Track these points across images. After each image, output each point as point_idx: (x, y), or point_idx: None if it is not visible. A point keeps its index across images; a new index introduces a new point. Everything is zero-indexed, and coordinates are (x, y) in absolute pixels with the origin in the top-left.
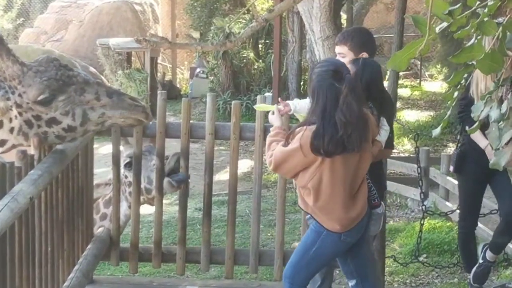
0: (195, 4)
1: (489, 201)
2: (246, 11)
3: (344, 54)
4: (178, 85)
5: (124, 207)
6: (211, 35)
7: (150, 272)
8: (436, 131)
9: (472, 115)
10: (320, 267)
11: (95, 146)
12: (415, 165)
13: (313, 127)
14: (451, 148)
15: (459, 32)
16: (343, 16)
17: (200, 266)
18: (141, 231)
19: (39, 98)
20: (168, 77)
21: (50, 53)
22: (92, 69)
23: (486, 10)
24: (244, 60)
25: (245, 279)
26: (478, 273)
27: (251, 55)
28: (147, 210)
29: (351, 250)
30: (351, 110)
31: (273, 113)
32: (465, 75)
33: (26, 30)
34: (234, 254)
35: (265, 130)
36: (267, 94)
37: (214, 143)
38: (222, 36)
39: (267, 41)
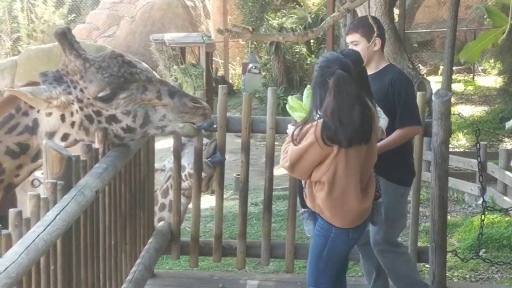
0: None
1: None
2: (297, 5)
3: (357, 42)
4: (230, 81)
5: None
6: (263, 30)
7: (209, 266)
8: (510, 123)
9: None
10: (338, 267)
11: None
12: (472, 160)
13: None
14: (507, 143)
15: None
16: (395, 11)
17: (258, 260)
18: None
19: (99, 95)
20: (220, 72)
21: (103, 49)
22: (144, 64)
23: None
24: (297, 56)
25: (303, 273)
26: None
27: (304, 50)
28: (202, 204)
29: None
30: (330, 106)
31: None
32: None
33: (78, 26)
34: (294, 248)
35: None
36: None
37: (274, 138)
38: (275, 30)
39: (319, 36)
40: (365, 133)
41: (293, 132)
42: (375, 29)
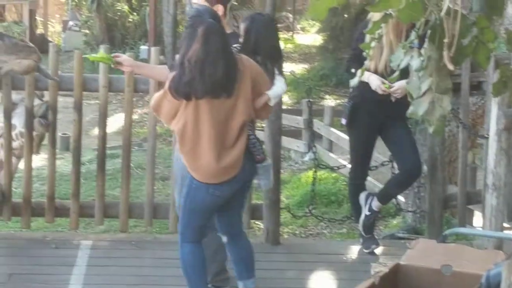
0: None
1: (377, 153)
2: None
3: (199, 6)
4: (50, 39)
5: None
6: None
7: (38, 227)
8: (354, 81)
9: (391, 64)
10: (200, 221)
11: None
12: (298, 117)
13: None
14: (328, 100)
15: None
16: None
17: (89, 220)
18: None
19: None
20: (39, 30)
21: None
22: None
23: None
24: (119, 13)
25: (137, 232)
26: (368, 225)
27: (126, 8)
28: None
29: (228, 205)
30: (195, 54)
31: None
32: (383, 25)
33: None
34: (129, 207)
35: (159, 83)
36: (142, 47)
37: (107, 96)
38: None
39: None
40: (225, 85)
41: None
42: None
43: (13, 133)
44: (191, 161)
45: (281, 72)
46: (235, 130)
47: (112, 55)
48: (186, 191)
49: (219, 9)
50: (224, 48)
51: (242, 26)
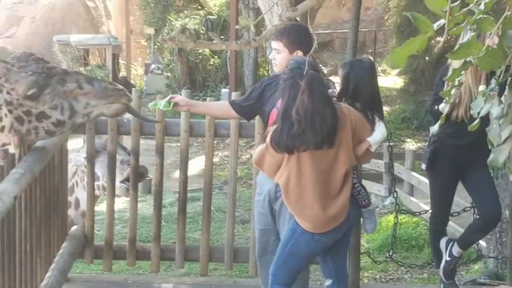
0: (149, 0)
1: (458, 198)
2: (199, 7)
3: (279, 50)
4: (132, 82)
5: (84, 196)
6: (166, 31)
7: (119, 270)
8: (434, 128)
9: (471, 112)
10: (299, 265)
11: None
12: (379, 161)
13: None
14: (409, 144)
15: (454, 29)
16: None
17: (169, 263)
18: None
19: (28, 93)
20: (122, 73)
21: (3, 50)
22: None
23: (482, 7)
24: (200, 56)
25: (217, 275)
26: (448, 271)
27: (207, 51)
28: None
29: (332, 250)
30: (304, 106)
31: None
32: (463, 72)
33: None
34: (209, 251)
35: (240, 127)
36: (223, 90)
37: (189, 140)
38: (177, 31)
39: (222, 37)
40: (329, 136)
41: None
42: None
43: (95, 183)
44: (297, 212)
45: (381, 118)
46: (339, 179)
47: (168, 97)
48: (288, 235)
49: (299, 54)
50: (327, 97)
51: (341, 73)
